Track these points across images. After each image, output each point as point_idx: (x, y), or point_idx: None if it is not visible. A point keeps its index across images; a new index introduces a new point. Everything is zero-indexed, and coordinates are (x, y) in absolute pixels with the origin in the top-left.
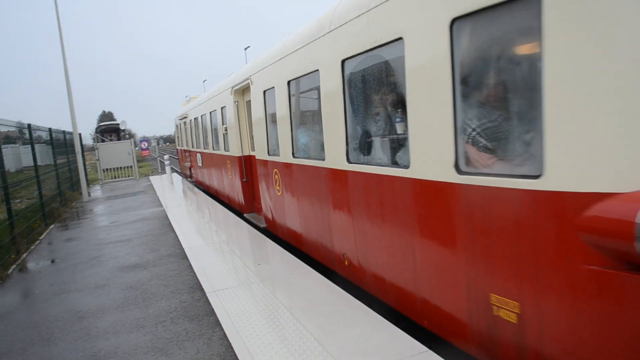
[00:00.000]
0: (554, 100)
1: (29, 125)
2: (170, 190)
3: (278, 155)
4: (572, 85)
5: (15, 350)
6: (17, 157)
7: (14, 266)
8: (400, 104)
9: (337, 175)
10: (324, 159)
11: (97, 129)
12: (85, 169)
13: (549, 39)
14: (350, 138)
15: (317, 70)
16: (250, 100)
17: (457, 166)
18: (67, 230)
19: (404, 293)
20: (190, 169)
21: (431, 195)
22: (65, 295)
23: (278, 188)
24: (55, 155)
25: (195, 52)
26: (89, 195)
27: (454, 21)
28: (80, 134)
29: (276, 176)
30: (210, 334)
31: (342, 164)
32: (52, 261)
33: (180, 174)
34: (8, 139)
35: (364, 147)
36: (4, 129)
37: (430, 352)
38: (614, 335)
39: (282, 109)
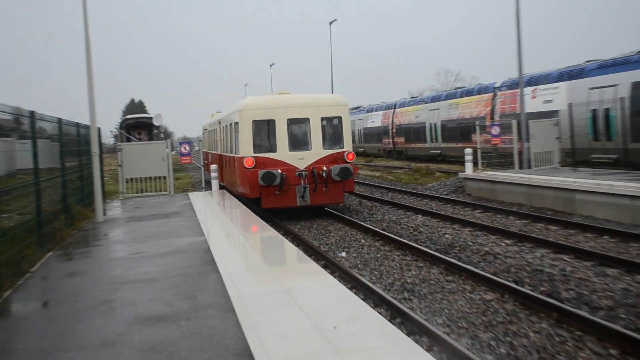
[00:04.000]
0: (239, 139)
1: (32, 113)
2: (217, 213)
3: (223, 151)
4: (228, 137)
5: None
6: (10, 156)
7: None
8: (234, 135)
9: (228, 157)
10: (226, 152)
11: (122, 123)
12: (102, 178)
13: (240, 129)
14: (226, 145)
15: (225, 125)
16: (221, 127)
17: (235, 152)
18: (71, 261)
19: (232, 186)
20: (206, 162)
21: (234, 160)
22: (58, 355)
23: (224, 165)
24: (63, 155)
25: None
26: (105, 213)
27: (235, 123)
28: (99, 129)
29: (220, 159)
30: None
31: (230, 153)
32: (45, 304)
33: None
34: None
35: (230, 147)
36: None
37: None
38: (247, 181)
39: (220, 133)
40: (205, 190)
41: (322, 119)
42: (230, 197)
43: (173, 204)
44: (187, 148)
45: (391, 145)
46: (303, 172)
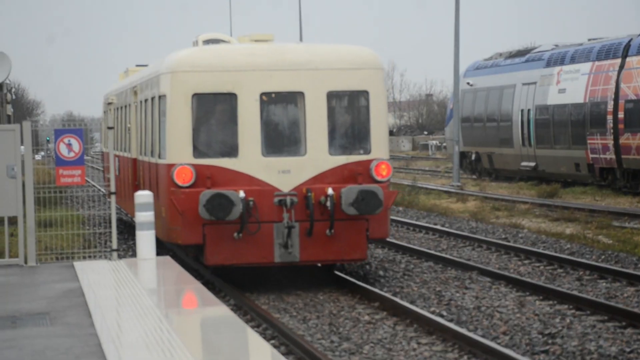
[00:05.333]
0: (165, 130)
1: None
2: (148, 316)
3: (139, 153)
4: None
5: None
6: None
7: None
8: (157, 121)
9: (146, 165)
10: (143, 154)
11: None
12: None
13: (169, 111)
14: (143, 140)
15: (143, 98)
16: (138, 101)
17: (159, 156)
18: None
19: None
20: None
21: (156, 172)
22: None
23: (140, 182)
24: None
25: None
26: None
27: (160, 97)
28: None
29: (136, 170)
30: None
31: (149, 158)
32: None
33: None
34: None
35: (151, 146)
36: None
37: None
38: (178, 212)
39: (136, 114)
40: (120, 257)
41: (331, 94)
42: (182, 274)
43: (33, 292)
44: (76, 146)
45: (612, 154)
46: (288, 198)
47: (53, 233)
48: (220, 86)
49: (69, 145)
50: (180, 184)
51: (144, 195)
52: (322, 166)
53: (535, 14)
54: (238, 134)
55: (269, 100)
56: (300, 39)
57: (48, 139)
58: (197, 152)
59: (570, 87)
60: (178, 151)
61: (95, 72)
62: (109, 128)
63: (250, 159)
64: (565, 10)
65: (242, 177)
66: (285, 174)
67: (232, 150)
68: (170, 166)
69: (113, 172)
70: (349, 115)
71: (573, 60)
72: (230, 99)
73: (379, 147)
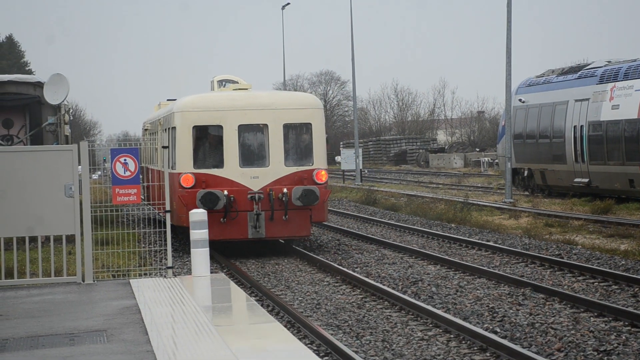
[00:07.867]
0: (176, 149)
1: None
2: (205, 333)
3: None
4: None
5: None
6: None
7: None
8: (171, 143)
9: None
10: (165, 167)
11: None
12: None
13: (178, 137)
14: (165, 157)
15: (165, 128)
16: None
17: (172, 167)
18: None
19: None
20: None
21: (172, 179)
22: None
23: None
24: None
25: None
26: None
27: (172, 128)
28: None
29: (161, 180)
30: None
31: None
32: None
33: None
34: None
35: (168, 160)
36: None
37: None
38: (183, 205)
39: (161, 139)
40: (175, 275)
41: (286, 126)
42: (236, 291)
43: (91, 309)
44: (131, 165)
45: None
46: (257, 195)
47: (110, 251)
48: (211, 120)
49: (125, 164)
50: (185, 186)
51: (198, 214)
52: (280, 173)
53: (587, 29)
54: (223, 152)
55: (244, 129)
56: (353, 66)
57: (105, 158)
58: (196, 164)
59: (624, 103)
60: (184, 164)
61: (152, 95)
62: (164, 147)
63: (232, 169)
64: (619, 26)
65: (226, 181)
66: (255, 179)
67: (219, 163)
68: (179, 174)
69: (168, 190)
70: (298, 140)
71: (627, 76)
72: (218, 129)
73: (319, 160)
